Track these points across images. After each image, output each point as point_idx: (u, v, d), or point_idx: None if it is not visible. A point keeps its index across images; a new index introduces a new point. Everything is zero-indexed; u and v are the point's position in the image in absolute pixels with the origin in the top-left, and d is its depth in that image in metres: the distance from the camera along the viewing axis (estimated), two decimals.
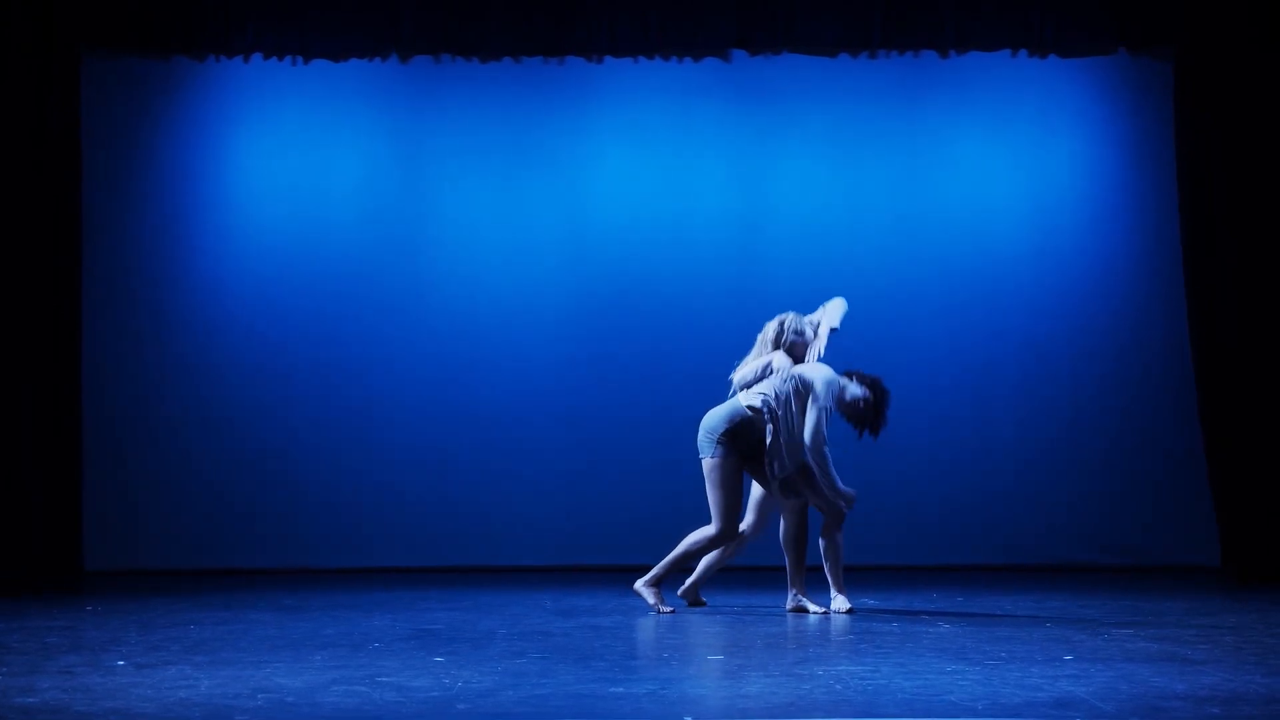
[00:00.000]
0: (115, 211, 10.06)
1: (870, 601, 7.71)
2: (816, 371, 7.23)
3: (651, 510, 9.81)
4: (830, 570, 7.34)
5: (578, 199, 10.25)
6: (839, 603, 7.29)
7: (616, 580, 9.03)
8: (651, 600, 7.38)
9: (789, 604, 7.37)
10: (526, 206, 10.23)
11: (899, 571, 9.45)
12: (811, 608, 7.30)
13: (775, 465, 7.17)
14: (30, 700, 4.69)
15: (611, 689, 4.89)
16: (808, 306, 7.62)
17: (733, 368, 7.49)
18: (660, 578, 7.42)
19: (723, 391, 7.68)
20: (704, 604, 7.60)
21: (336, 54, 10.03)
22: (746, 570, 8.89)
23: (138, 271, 10.09)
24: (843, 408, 7.26)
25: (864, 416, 7.26)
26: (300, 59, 10.07)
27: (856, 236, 10.22)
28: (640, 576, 7.48)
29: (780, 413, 7.18)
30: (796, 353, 7.37)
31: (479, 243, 10.20)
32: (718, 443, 7.20)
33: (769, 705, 4.64)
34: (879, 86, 10.21)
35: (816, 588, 7.40)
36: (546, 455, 10.11)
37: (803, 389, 7.18)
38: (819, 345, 7.37)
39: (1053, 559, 9.93)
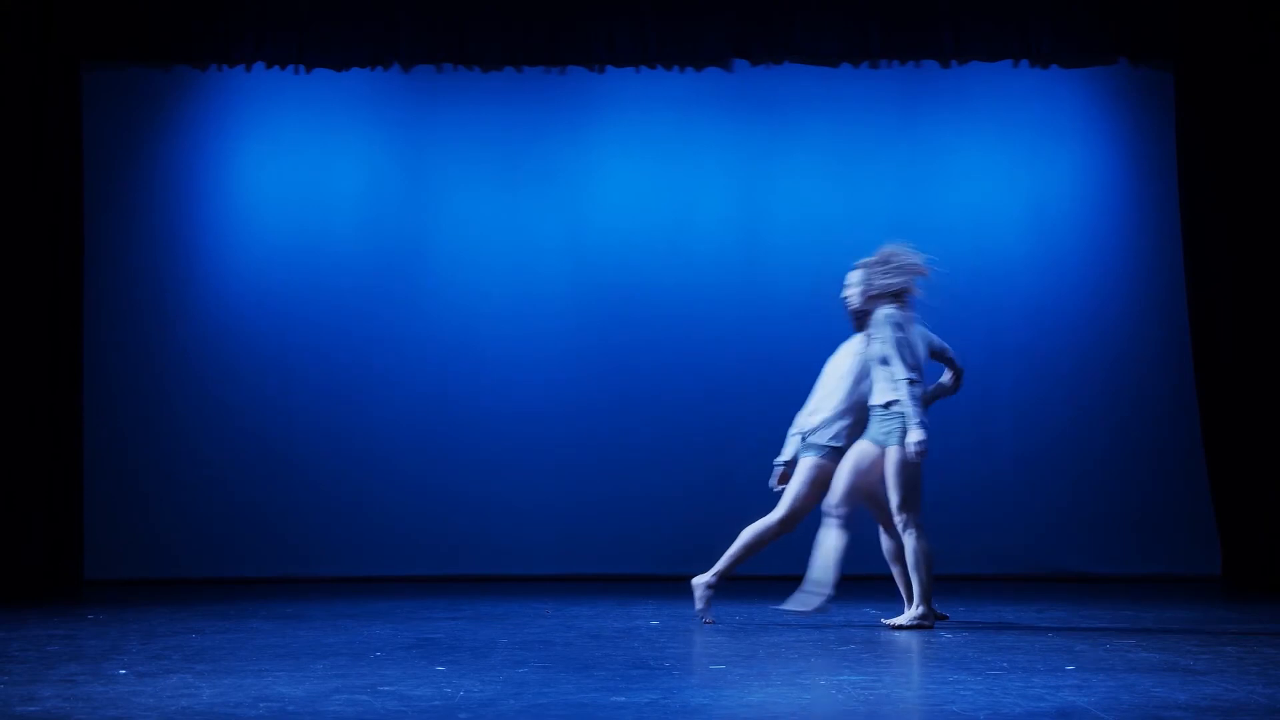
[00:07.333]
0: (117, 220, 10.06)
1: (871, 611, 7.71)
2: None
3: (654, 520, 9.81)
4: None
5: (579, 207, 10.25)
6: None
7: (617, 590, 9.03)
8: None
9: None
10: (527, 215, 10.23)
11: None
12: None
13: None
14: (31, 709, 4.69)
15: (613, 699, 4.89)
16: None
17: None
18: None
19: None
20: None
21: (338, 63, 10.02)
22: (747, 580, 8.89)
23: (139, 280, 10.09)
24: None
25: None
26: (302, 68, 10.06)
27: (857, 245, 10.17)
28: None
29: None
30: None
31: (480, 250, 10.20)
32: None
33: (771, 715, 4.64)
34: (880, 96, 10.22)
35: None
36: (548, 465, 10.10)
37: None
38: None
39: (1054, 569, 9.92)
